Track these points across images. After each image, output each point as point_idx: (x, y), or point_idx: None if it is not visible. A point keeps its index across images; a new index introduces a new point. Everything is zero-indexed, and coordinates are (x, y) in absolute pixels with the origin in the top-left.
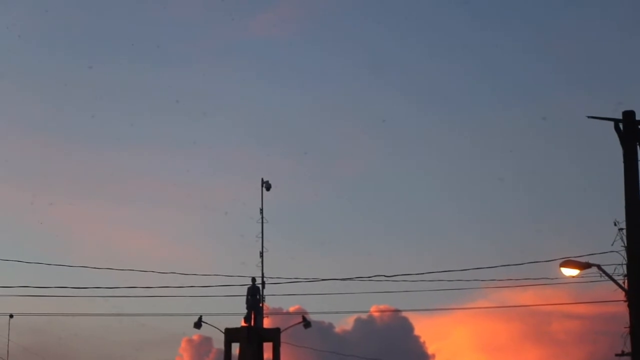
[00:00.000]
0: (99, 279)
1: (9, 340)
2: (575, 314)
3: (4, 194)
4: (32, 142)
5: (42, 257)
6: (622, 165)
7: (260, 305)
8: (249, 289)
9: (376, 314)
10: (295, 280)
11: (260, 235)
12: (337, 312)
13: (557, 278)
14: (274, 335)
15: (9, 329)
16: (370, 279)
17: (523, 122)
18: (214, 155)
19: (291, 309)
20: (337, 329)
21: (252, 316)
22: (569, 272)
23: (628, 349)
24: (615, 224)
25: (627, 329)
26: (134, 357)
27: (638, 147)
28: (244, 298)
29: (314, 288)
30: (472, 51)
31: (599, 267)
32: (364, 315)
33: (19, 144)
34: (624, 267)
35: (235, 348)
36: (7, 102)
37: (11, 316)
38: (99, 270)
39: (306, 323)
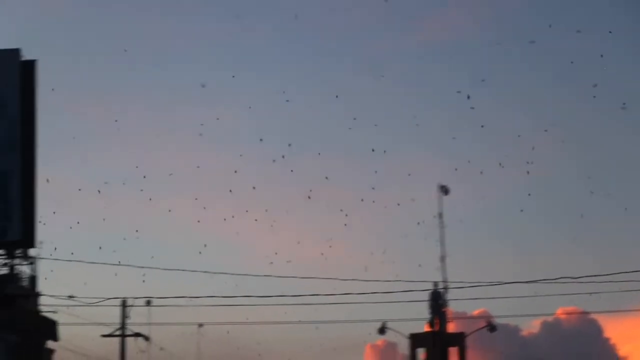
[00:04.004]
0: (283, 287)
1: (198, 349)
2: None
3: (191, 207)
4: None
5: (228, 267)
6: None
7: (444, 309)
8: (431, 293)
9: (563, 317)
10: (478, 284)
11: (441, 240)
12: (522, 315)
13: None
14: (459, 340)
15: (198, 338)
16: (555, 280)
17: None
18: (393, 161)
19: (475, 313)
20: (524, 332)
21: (436, 321)
22: None
23: None
24: None
25: None
26: None
27: None
28: (427, 303)
29: (498, 291)
30: None
31: None
32: (550, 318)
33: (203, 158)
34: None
35: (421, 353)
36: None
37: (200, 325)
38: (283, 279)
39: (491, 327)
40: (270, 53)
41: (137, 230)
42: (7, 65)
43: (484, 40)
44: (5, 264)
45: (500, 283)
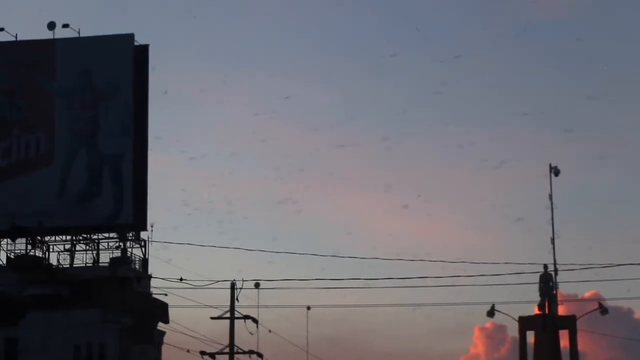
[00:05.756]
0: (390, 270)
1: (307, 331)
2: None
3: (298, 190)
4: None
5: (336, 250)
6: None
7: (554, 292)
8: (541, 276)
9: None
10: (590, 266)
11: (551, 221)
12: (635, 298)
13: None
14: (569, 323)
15: (307, 320)
16: None
17: None
18: (500, 142)
19: (586, 295)
20: (638, 315)
21: (546, 303)
22: None
23: None
24: None
25: None
26: (428, 346)
27: None
28: (537, 285)
29: (610, 273)
30: None
31: None
32: None
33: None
34: None
35: (530, 336)
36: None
37: (308, 308)
38: (391, 262)
39: (603, 309)
40: None
41: (246, 215)
42: (121, 50)
43: None
44: (117, 247)
45: (612, 265)
